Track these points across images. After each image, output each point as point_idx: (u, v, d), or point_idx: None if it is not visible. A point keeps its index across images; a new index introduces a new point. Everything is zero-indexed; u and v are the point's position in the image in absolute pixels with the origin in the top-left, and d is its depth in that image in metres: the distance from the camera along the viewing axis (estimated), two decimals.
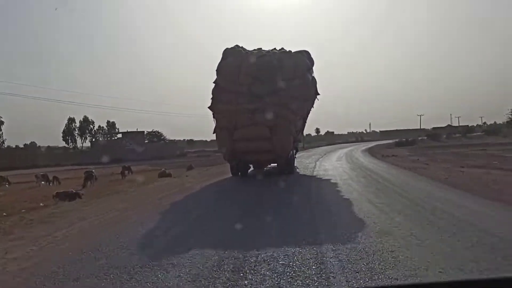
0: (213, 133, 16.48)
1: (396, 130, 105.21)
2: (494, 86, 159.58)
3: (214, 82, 16.28)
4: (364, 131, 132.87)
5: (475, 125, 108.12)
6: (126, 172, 32.80)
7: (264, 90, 15.28)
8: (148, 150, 68.09)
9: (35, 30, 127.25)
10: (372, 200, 9.20)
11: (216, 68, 16.22)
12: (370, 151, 36.58)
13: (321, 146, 57.46)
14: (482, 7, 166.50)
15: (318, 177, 15.87)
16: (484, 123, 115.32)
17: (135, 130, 74.20)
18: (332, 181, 13.92)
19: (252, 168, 17.86)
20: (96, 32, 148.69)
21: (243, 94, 15.39)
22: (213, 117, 16.25)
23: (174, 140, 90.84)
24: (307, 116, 18.15)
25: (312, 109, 17.83)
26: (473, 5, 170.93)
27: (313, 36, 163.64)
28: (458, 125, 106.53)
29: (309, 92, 16.61)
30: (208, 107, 16.33)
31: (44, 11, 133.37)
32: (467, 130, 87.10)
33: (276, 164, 16.66)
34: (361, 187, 11.66)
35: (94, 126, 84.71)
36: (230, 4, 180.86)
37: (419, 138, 64.42)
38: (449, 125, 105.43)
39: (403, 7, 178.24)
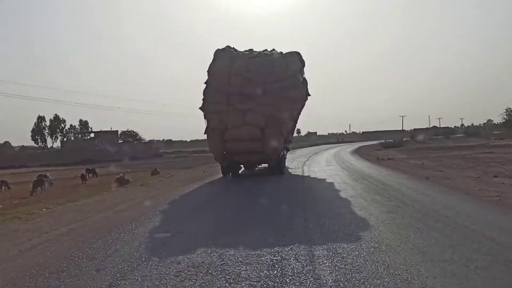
0: (204, 133, 15.87)
1: (377, 131, 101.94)
2: (474, 89, 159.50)
3: (205, 83, 15.92)
4: (344, 132, 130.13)
5: (453, 126, 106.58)
6: (90, 175, 28.78)
7: (255, 91, 14.92)
8: (122, 151, 63.87)
9: (7, 25, 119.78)
10: (426, 248, 4.98)
11: (207, 69, 15.94)
12: (359, 153, 32.65)
13: (304, 147, 53.28)
14: (463, 11, 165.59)
15: (311, 188, 11.70)
16: (462, 125, 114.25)
17: (109, 129, 68.96)
18: (333, 194, 9.70)
19: (243, 169, 17.43)
20: (70, 28, 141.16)
21: (234, 94, 15.05)
22: (204, 117, 15.78)
23: (154, 140, 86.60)
24: (298, 117, 17.51)
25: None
26: (454, 8, 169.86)
27: (293, 38, 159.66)
28: (439, 126, 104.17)
29: (300, 93, 16.20)
30: (200, 108, 15.92)
31: (15, 6, 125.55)
32: (449, 131, 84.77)
33: (267, 165, 16.37)
34: (384, 214, 7.38)
35: (65, 125, 78.86)
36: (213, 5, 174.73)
37: (404, 139, 60.92)
38: (434, 126, 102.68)
39: (385, 8, 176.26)
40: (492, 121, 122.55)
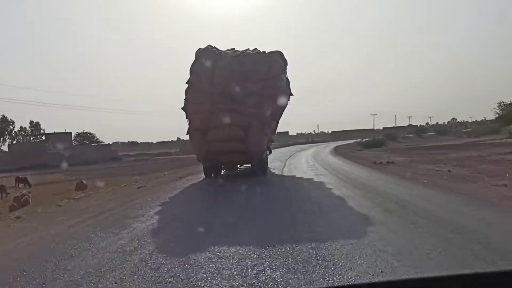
0: (187, 134, 15.86)
1: (347, 130, 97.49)
2: (440, 88, 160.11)
3: (187, 83, 15.55)
4: (313, 132, 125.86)
5: (418, 125, 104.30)
6: (22, 185, 22.91)
7: (238, 91, 14.60)
8: (76, 154, 56.11)
9: None
10: None
11: (189, 69, 15.55)
12: (342, 155, 28.46)
13: (276, 148, 47.16)
14: (431, 11, 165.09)
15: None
16: (427, 123, 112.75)
17: (63, 131, 60.59)
18: None
19: (224, 170, 17.20)
20: (22, 20, 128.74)
21: (216, 94, 14.70)
22: (186, 118, 15.52)
23: (119, 142, 78.52)
24: (280, 117, 17.02)
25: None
26: (422, 8, 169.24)
27: (266, 37, 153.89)
28: (411, 125, 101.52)
29: (283, 92, 15.79)
30: (182, 108, 15.56)
31: None
32: (420, 130, 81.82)
33: (249, 165, 16.28)
34: None
35: (14, 127, 69.46)
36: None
37: (377, 138, 56.07)
38: (410, 125, 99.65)
39: (354, 7, 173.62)
40: (456, 119, 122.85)
